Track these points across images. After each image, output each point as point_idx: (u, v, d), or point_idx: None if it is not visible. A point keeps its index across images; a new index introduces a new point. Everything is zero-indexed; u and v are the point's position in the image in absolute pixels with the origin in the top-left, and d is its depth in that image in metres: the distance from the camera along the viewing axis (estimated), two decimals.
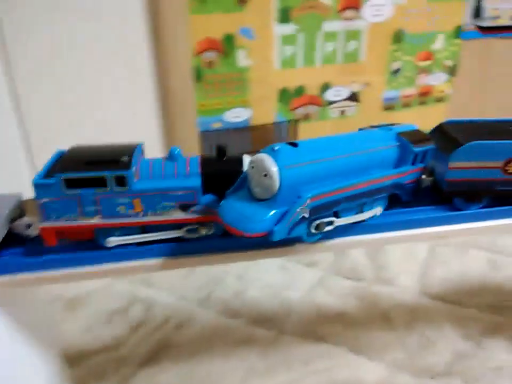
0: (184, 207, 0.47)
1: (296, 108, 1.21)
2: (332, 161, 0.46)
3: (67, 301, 0.87)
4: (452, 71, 1.33)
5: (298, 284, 0.91)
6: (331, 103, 1.24)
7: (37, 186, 0.44)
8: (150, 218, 0.47)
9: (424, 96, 1.34)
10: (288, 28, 1.10)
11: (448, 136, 0.54)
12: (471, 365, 0.73)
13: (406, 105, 1.33)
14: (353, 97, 1.26)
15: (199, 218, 0.48)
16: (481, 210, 0.54)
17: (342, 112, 1.27)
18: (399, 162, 0.52)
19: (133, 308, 0.85)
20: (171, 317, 0.82)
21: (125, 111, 1.04)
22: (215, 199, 0.48)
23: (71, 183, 0.44)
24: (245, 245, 0.50)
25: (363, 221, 0.51)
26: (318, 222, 0.46)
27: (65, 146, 0.49)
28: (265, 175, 0.42)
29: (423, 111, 1.35)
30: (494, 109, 1.36)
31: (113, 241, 0.48)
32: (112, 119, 1.03)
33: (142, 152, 0.50)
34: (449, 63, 1.32)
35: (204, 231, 0.49)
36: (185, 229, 0.48)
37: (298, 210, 0.42)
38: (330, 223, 0.48)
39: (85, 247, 0.49)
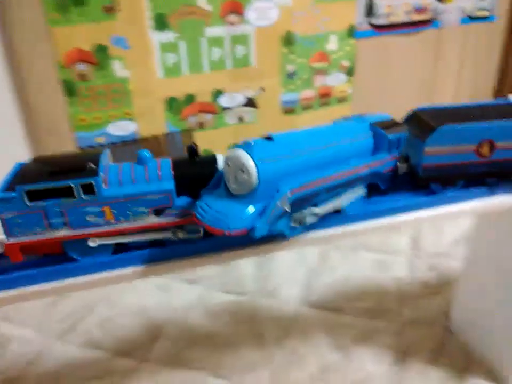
0: (158, 212, 0.45)
1: (188, 116, 1.17)
2: (308, 153, 0.45)
3: None
4: (350, 71, 1.33)
5: (175, 304, 0.87)
6: (226, 109, 1.21)
7: None
8: (123, 226, 0.45)
9: (325, 97, 1.33)
10: (167, 35, 1.06)
11: (422, 122, 0.54)
12: (335, 379, 0.71)
13: (307, 107, 1.31)
14: (250, 102, 1.23)
15: (175, 222, 0.46)
16: (459, 193, 0.55)
17: (240, 118, 1.24)
18: (375, 151, 0.52)
19: None
20: (26, 353, 0.76)
21: None
22: (190, 201, 0.46)
23: (34, 195, 0.42)
24: (226, 245, 0.48)
25: (344, 212, 0.51)
26: (298, 215, 0.45)
27: None
28: (242, 171, 0.41)
29: (326, 113, 1.34)
30: (393, 106, 1.37)
31: (94, 241, 0.45)
32: None
33: (108, 158, 0.48)
34: (346, 63, 1.31)
35: (181, 235, 0.47)
36: (162, 233, 0.47)
37: (278, 204, 0.41)
38: (312, 214, 0.46)
39: (55, 260, 0.46)
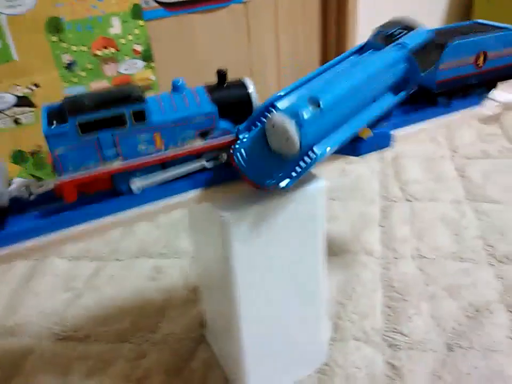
0: (203, 135, 0.47)
1: None
2: (351, 113, 0.48)
3: None
4: (146, 56, 1.21)
5: None
6: None
7: (49, 137, 0.40)
8: (172, 153, 0.46)
9: None
10: None
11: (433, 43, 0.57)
12: None
13: None
14: (24, 102, 1.09)
15: (219, 144, 0.47)
16: (462, 103, 0.63)
17: (16, 120, 1.09)
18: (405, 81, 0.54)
19: None
20: None
21: None
22: (230, 124, 0.48)
23: (86, 127, 0.41)
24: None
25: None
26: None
27: None
28: (287, 140, 0.43)
29: None
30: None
31: (138, 182, 0.45)
32: None
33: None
34: (139, 48, 1.19)
35: (225, 157, 0.48)
36: (205, 157, 0.48)
37: (313, 166, 0.44)
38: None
39: (106, 196, 0.45)
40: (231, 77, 0.50)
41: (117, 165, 0.43)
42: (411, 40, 0.53)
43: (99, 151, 0.42)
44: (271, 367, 0.62)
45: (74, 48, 1.10)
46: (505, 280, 0.79)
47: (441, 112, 0.63)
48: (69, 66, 1.11)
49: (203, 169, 0.49)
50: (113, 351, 0.74)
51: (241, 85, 0.49)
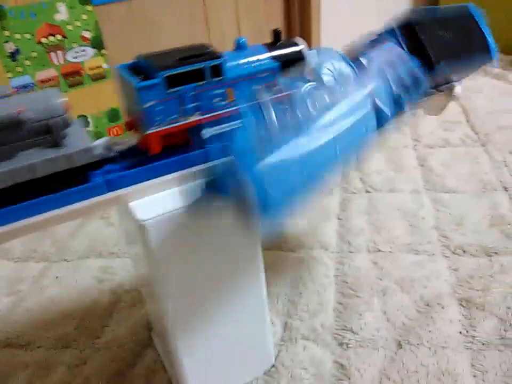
0: (268, 89, 0.50)
1: None
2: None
3: None
4: (96, 43, 1.15)
5: None
6: None
7: (140, 89, 0.42)
8: (242, 105, 0.48)
9: (74, 76, 1.15)
10: None
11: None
12: None
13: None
14: None
15: (280, 97, 0.50)
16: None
17: None
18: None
19: None
20: None
21: None
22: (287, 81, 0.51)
23: (172, 81, 0.43)
24: None
25: None
26: None
27: None
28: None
29: (78, 94, 1.17)
30: None
31: (209, 131, 0.47)
32: None
33: None
34: (87, 34, 1.13)
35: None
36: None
37: None
38: None
39: (185, 148, 0.47)
40: None
41: (195, 118, 0.46)
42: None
43: (181, 104, 0.45)
44: (214, 372, 0.60)
45: (17, 36, 1.03)
46: (459, 272, 0.78)
47: None
48: (13, 55, 1.04)
49: None
50: (54, 358, 0.70)
51: (294, 43, 0.53)
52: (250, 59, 0.49)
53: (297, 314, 0.72)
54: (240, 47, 0.50)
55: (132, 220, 0.45)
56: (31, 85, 1.09)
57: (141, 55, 0.47)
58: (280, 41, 0.52)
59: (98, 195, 0.44)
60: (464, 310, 0.71)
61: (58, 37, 1.09)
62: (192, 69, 0.44)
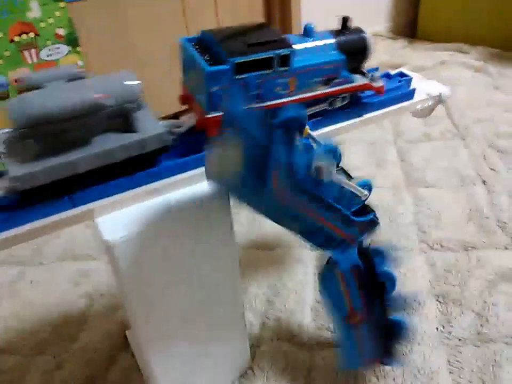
0: (328, 82, 0.49)
1: None
2: None
3: None
4: (70, 40, 1.13)
5: None
6: None
7: (210, 74, 0.42)
8: (299, 96, 0.48)
9: None
10: None
11: None
12: None
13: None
14: None
15: (340, 90, 0.50)
16: None
17: None
18: None
19: None
20: None
21: None
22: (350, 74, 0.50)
23: (241, 68, 0.43)
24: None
25: None
26: None
27: None
28: None
29: None
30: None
31: None
32: None
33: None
34: (61, 32, 1.11)
35: (338, 103, 0.52)
36: (327, 102, 0.51)
37: None
38: None
39: None
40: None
41: (258, 105, 0.45)
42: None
43: (245, 92, 0.44)
44: (188, 377, 0.59)
45: None
46: (436, 268, 0.78)
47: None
48: None
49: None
50: (28, 364, 0.69)
51: (360, 31, 0.52)
52: (318, 49, 0.49)
53: (274, 315, 0.72)
54: (307, 33, 0.50)
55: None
56: (5, 84, 1.06)
57: (205, 31, 0.46)
58: (346, 29, 0.52)
59: (167, 177, 0.45)
60: (441, 305, 0.71)
61: (31, 34, 1.06)
62: (262, 57, 0.43)
